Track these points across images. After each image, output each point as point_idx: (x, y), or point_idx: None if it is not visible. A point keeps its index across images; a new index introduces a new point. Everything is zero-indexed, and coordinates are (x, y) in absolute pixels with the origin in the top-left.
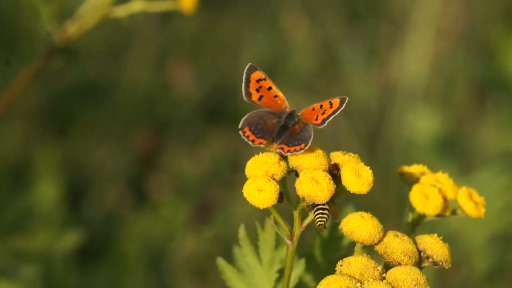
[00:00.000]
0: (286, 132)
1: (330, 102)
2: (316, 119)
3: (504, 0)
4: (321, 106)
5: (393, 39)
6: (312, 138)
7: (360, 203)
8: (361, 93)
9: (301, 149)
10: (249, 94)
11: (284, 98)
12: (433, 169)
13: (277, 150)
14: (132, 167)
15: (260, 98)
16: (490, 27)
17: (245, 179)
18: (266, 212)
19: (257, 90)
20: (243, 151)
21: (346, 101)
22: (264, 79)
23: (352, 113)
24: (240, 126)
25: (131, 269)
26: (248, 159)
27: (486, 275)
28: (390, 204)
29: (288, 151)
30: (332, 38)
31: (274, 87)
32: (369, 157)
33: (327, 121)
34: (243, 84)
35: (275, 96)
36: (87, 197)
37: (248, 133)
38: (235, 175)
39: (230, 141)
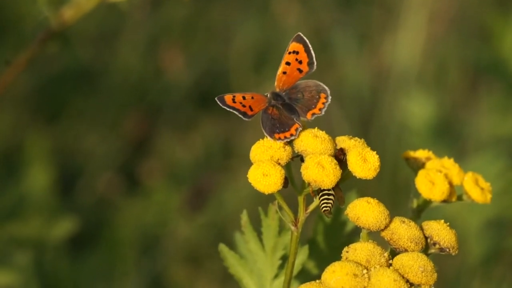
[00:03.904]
0: (292, 106)
1: (293, 51)
2: (301, 72)
3: None
4: (288, 63)
5: (386, 23)
6: (320, 83)
7: (354, 186)
8: (354, 78)
9: (326, 98)
10: (246, 114)
11: (254, 93)
12: None
13: (313, 118)
14: (124, 153)
15: (251, 108)
16: (482, 11)
17: (237, 163)
18: (259, 197)
19: (244, 106)
20: (235, 136)
21: (301, 35)
22: (234, 96)
23: (345, 99)
24: (272, 139)
25: (123, 255)
26: (240, 144)
27: (481, 261)
28: (383, 190)
29: (320, 109)
30: (324, 23)
31: (242, 94)
32: None
33: (315, 63)
34: (237, 114)
35: (252, 98)
36: (79, 183)
37: (281, 135)
38: (227, 160)
39: (221, 126)
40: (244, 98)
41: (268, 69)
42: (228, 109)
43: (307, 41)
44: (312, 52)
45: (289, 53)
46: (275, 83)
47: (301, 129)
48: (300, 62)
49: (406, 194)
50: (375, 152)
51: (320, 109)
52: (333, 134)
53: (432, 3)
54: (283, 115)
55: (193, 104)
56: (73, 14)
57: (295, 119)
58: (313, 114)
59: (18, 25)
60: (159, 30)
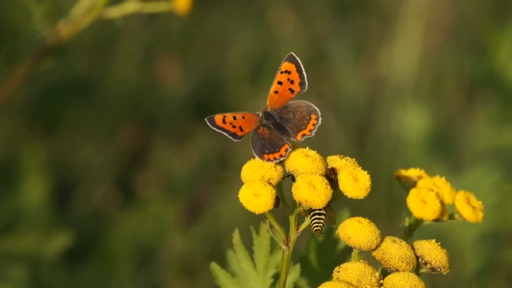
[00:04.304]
0: (282, 126)
1: (285, 71)
2: (292, 92)
3: None
4: (280, 83)
5: (382, 34)
6: (311, 104)
7: (349, 200)
8: (350, 88)
9: (317, 119)
10: (236, 135)
11: (245, 112)
12: (423, 166)
13: (303, 139)
14: (120, 164)
15: (241, 129)
16: (479, 22)
17: (233, 175)
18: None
19: (234, 126)
20: (231, 148)
21: (294, 55)
22: (225, 116)
23: (341, 109)
24: (262, 159)
25: (119, 267)
26: (237, 155)
27: (476, 273)
28: (379, 201)
29: (310, 130)
30: (320, 33)
31: (233, 114)
32: (358, 154)
33: (306, 84)
34: (226, 135)
35: (243, 117)
36: (75, 195)
37: (271, 156)
38: (223, 171)
39: (218, 137)
40: (234, 118)
41: (264, 79)
42: (217, 130)
43: (299, 61)
44: (304, 72)
45: (281, 72)
46: (267, 102)
47: (290, 150)
48: (292, 82)
49: (402, 205)
50: (366, 171)
51: (310, 130)
52: (329, 144)
53: (428, 13)
54: (274, 135)
55: (189, 115)
56: (69, 30)
57: (285, 139)
58: (303, 135)
59: (14, 36)
60: (155, 40)
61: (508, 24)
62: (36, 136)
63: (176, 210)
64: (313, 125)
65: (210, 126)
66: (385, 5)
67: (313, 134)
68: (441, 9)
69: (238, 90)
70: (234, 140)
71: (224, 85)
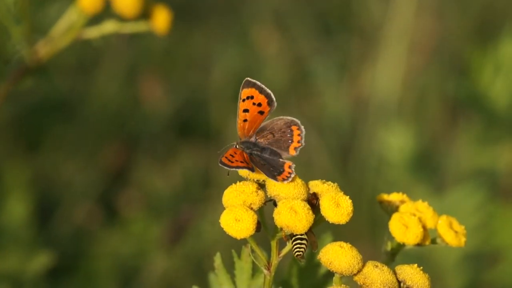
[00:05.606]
0: (269, 149)
1: (247, 97)
2: (263, 114)
3: (476, 15)
4: (246, 110)
5: (365, 53)
6: (285, 116)
7: (328, 230)
8: (333, 108)
9: (299, 129)
10: (250, 168)
11: (231, 148)
12: (406, 186)
13: (297, 152)
14: (102, 183)
15: (246, 161)
16: (462, 42)
17: (216, 193)
18: None
19: (242, 162)
20: (215, 167)
21: (250, 79)
22: (227, 157)
23: (324, 128)
24: (277, 181)
25: (101, 287)
26: (220, 174)
27: None
28: (362, 220)
29: (299, 141)
30: (304, 52)
31: (229, 153)
32: (340, 173)
33: (274, 100)
34: (246, 170)
35: (235, 152)
36: (57, 214)
37: (283, 176)
38: (206, 190)
39: (201, 156)
40: (232, 155)
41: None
42: (236, 169)
43: (258, 82)
44: (268, 90)
45: (243, 100)
46: (238, 133)
47: (294, 165)
48: (260, 105)
49: (385, 225)
50: (348, 197)
51: (299, 141)
52: (312, 164)
53: (412, 33)
54: (268, 158)
55: (172, 133)
56: (48, 51)
57: (279, 159)
58: (295, 148)
59: None
60: (138, 59)
61: (491, 45)
62: (18, 154)
63: (159, 229)
64: (299, 135)
65: (228, 169)
66: (369, 25)
67: (303, 144)
68: (425, 30)
69: (221, 108)
70: (252, 172)
71: (208, 104)
